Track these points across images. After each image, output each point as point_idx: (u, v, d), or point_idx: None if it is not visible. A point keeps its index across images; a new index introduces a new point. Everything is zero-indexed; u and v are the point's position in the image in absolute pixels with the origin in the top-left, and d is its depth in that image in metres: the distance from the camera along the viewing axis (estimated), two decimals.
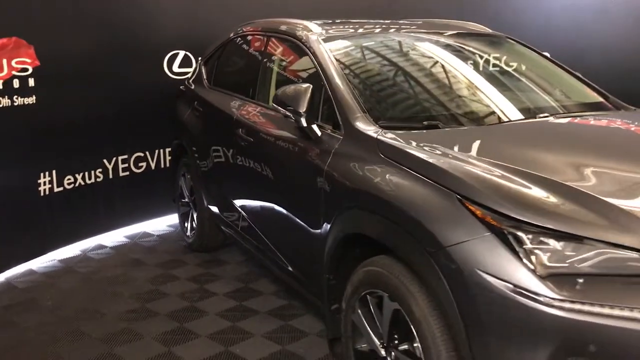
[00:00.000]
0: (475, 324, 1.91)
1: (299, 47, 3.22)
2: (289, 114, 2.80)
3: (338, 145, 2.63)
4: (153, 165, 5.12)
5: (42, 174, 4.33)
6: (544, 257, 1.83)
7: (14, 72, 4.02)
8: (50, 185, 4.40)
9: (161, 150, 5.11)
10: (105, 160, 4.79)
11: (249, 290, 3.89)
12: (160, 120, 4.83)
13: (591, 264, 1.82)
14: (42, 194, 4.34)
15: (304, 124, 2.76)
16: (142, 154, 5.03)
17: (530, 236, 1.86)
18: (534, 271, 1.81)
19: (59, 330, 3.40)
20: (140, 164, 5.03)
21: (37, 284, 4.06)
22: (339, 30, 3.30)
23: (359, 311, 2.46)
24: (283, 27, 3.47)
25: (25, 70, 4.10)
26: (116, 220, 4.97)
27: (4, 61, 3.96)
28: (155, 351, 3.16)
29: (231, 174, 3.66)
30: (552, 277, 1.80)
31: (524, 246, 1.85)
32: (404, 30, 3.44)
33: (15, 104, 4.06)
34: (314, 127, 2.77)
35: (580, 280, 1.78)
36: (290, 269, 3.11)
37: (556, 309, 1.75)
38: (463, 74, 3.17)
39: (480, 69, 3.21)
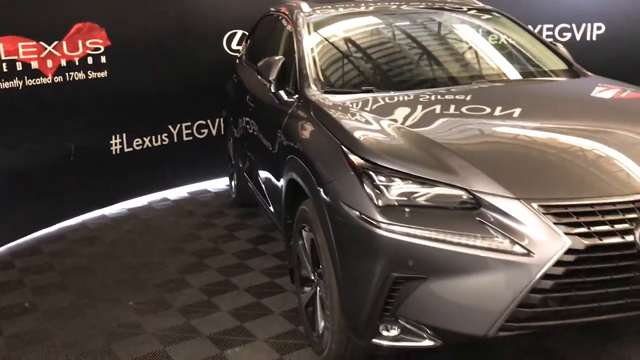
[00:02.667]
0: (340, 245, 2.38)
1: (290, 23, 3.74)
2: (264, 81, 3.35)
3: (293, 107, 3.15)
4: (214, 132, 5.87)
5: (113, 136, 5.21)
6: (387, 192, 2.25)
7: (87, 51, 4.89)
8: (120, 146, 5.27)
9: (221, 119, 5.84)
10: (170, 127, 5.59)
11: (267, 237, 4.51)
12: (220, 92, 5.53)
13: (426, 198, 2.23)
14: (113, 153, 5.23)
15: (273, 90, 3.31)
16: (203, 122, 5.79)
17: (381, 177, 2.29)
18: (375, 203, 2.24)
19: (107, 258, 4.24)
20: (202, 131, 5.80)
21: (104, 225, 4.96)
22: (326, 10, 3.77)
23: (299, 243, 2.99)
24: (286, 6, 4.01)
25: (98, 49, 4.96)
26: (180, 178, 5.78)
27: (79, 42, 4.84)
28: (171, 277, 3.88)
29: (247, 136, 4.28)
30: (389, 208, 2.23)
31: (374, 183, 2.29)
32: (390, 9, 3.84)
33: (89, 77, 4.93)
34: (281, 92, 3.31)
35: (408, 210, 2.19)
36: (271, 209, 3.69)
37: (386, 232, 2.18)
38: (419, 47, 3.54)
39: (440, 41, 3.56)
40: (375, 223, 2.20)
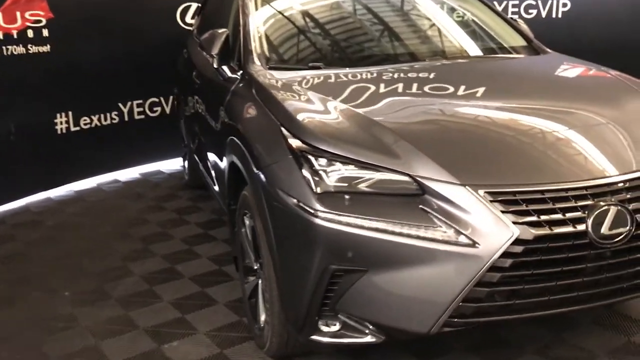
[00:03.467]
0: (277, 235, 2.21)
1: None
2: (207, 56, 3.14)
3: (236, 84, 2.94)
4: (168, 110, 5.61)
5: (58, 115, 4.93)
6: (326, 178, 2.08)
7: (27, 24, 4.59)
8: (66, 125, 5.00)
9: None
10: (120, 104, 5.31)
11: (218, 221, 4.31)
12: (174, 68, 5.27)
13: (367, 184, 2.06)
14: (59, 132, 4.95)
15: (216, 65, 3.09)
16: (156, 99, 5.53)
17: (321, 161, 2.11)
18: (313, 190, 2.07)
19: (48, 244, 4.02)
20: (155, 109, 5.54)
21: (49, 209, 4.71)
22: None
23: (242, 230, 2.80)
24: None
25: (39, 22, 4.65)
26: (132, 158, 5.52)
27: (18, 14, 4.53)
28: (114, 264, 3.67)
29: (196, 115, 4.06)
30: (328, 195, 2.05)
31: (313, 168, 2.11)
32: None
33: (30, 51, 4.63)
34: (225, 68, 3.10)
35: (348, 197, 2.02)
36: (217, 190, 3.50)
37: (324, 221, 2.01)
38: (372, 21, 3.35)
39: (396, 15, 3.38)
40: (312, 211, 2.03)
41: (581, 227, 1.96)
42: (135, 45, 5.23)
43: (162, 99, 5.56)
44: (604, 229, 1.96)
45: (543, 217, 1.94)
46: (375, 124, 2.23)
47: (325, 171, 2.09)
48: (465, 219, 1.93)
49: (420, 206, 1.97)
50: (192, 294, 3.27)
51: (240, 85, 2.88)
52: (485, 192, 1.95)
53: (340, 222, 1.99)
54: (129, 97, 5.35)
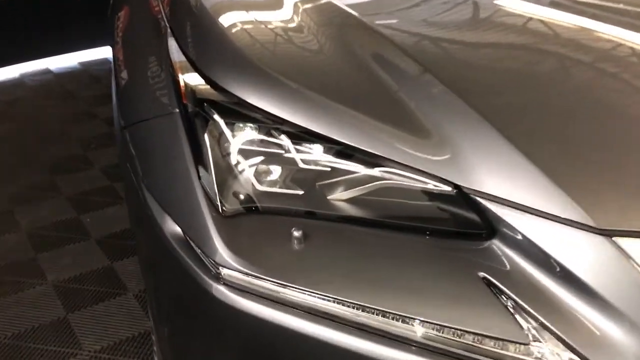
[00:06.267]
0: (152, 285, 1.03)
1: None
2: None
3: None
4: None
5: None
6: (252, 177, 0.85)
7: None
8: None
9: None
10: None
11: None
12: None
13: (353, 193, 0.84)
14: None
15: None
16: None
17: (245, 131, 0.88)
18: (214, 203, 0.85)
19: None
20: None
21: None
22: None
23: None
24: None
25: None
26: (70, 42, 4.27)
27: None
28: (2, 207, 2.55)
29: None
30: (249, 221, 0.84)
31: (226, 144, 0.88)
32: None
33: None
34: None
35: (297, 234, 0.80)
36: None
37: (233, 291, 0.81)
38: None
39: None
40: (212, 265, 0.82)
41: None
42: None
43: None
44: None
45: None
46: (387, 48, 0.95)
47: (254, 157, 0.86)
48: (600, 323, 0.72)
49: (482, 274, 0.76)
50: (91, 272, 2.16)
51: None
52: None
53: (272, 301, 0.79)
54: None
